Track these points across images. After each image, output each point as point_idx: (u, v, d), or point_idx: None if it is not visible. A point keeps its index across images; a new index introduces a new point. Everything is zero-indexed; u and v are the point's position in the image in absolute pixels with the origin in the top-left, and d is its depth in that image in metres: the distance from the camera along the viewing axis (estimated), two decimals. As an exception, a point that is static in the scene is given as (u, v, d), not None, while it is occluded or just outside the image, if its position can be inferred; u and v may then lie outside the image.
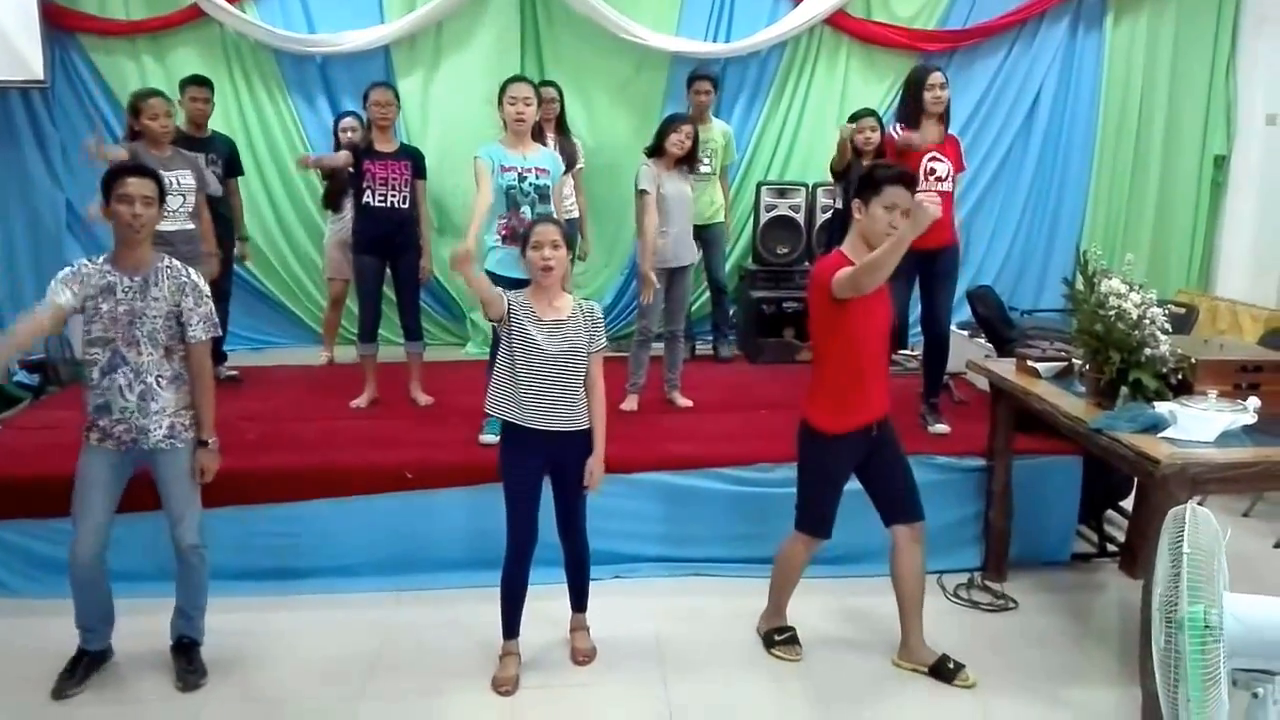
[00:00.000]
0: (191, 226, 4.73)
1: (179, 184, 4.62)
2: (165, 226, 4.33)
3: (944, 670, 3.39)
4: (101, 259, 3.14)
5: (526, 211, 4.16)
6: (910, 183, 3.17)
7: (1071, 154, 6.93)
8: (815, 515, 3.38)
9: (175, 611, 3.37)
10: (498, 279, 4.02)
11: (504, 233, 4.19)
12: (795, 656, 3.50)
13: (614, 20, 6.38)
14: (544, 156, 4.32)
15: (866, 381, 3.24)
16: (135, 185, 3.06)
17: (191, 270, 3.22)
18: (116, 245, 3.13)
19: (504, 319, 3.16)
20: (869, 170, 3.30)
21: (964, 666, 3.39)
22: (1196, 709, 1.87)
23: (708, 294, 6.44)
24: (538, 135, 4.66)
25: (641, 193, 4.78)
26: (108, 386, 3.11)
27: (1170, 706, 1.92)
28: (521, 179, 4.19)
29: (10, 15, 6.05)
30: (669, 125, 4.84)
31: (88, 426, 3.17)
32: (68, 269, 3.12)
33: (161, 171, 4.27)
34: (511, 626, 3.38)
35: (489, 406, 3.28)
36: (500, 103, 4.22)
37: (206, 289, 3.22)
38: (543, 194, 4.22)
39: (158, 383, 3.13)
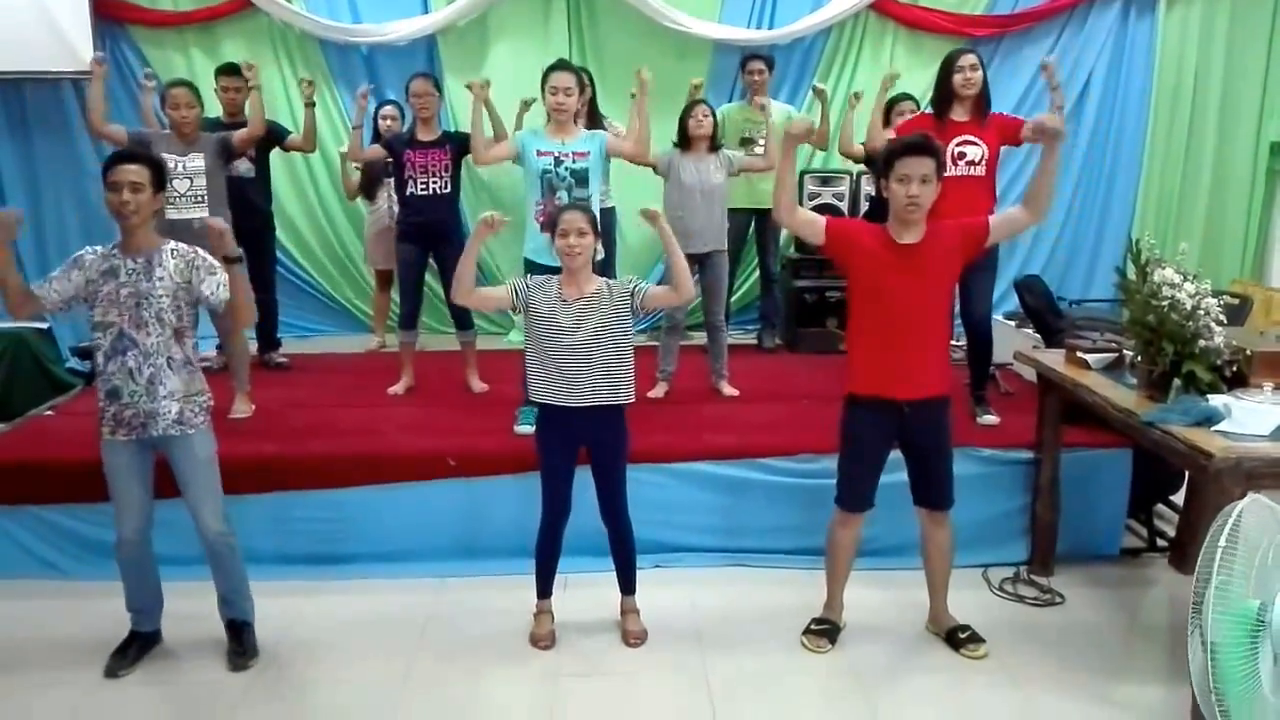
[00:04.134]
0: (205, 215, 4.41)
1: (185, 167, 4.51)
2: (171, 215, 4.34)
3: (955, 638, 3.47)
4: (110, 246, 3.16)
5: (563, 196, 4.15)
6: (926, 150, 3.14)
7: (1122, 141, 6.81)
8: (841, 484, 3.41)
9: (218, 598, 3.41)
10: (536, 266, 4.07)
11: (541, 219, 4.18)
12: (818, 649, 3.47)
13: (656, 8, 6.36)
14: (582, 140, 4.26)
15: (887, 354, 3.23)
16: (122, 173, 3.06)
17: (198, 249, 3.21)
18: (120, 231, 3.15)
19: (517, 308, 3.35)
20: (886, 148, 3.32)
21: (980, 640, 3.44)
22: (1236, 704, 1.83)
23: (752, 282, 6.43)
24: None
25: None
26: (115, 370, 3.11)
27: (1209, 704, 1.89)
28: (558, 163, 4.17)
29: (61, 6, 6.15)
30: (686, 110, 4.94)
31: (101, 417, 3.17)
32: (72, 257, 3.14)
33: (175, 157, 4.38)
34: (545, 588, 3.54)
35: (531, 393, 3.38)
36: (543, 91, 4.21)
37: (214, 260, 3.21)
38: (580, 178, 4.19)
39: (168, 364, 3.13)
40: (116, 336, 3.10)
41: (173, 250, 3.16)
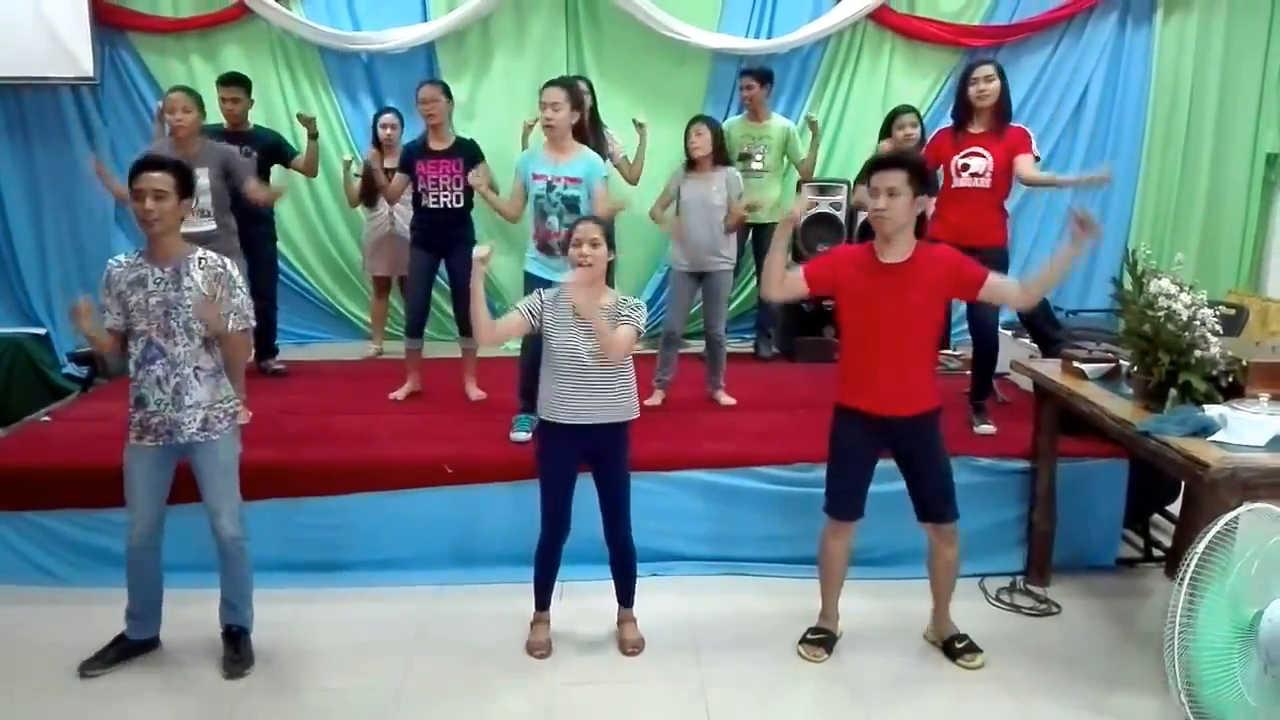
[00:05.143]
0: (209, 228, 4.44)
1: None
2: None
3: (952, 648, 3.47)
4: (135, 254, 3.18)
5: (554, 222, 4.14)
6: (896, 164, 3.14)
7: (1119, 152, 6.81)
8: (829, 493, 3.41)
9: (221, 601, 3.41)
10: (535, 279, 4.07)
11: (535, 240, 4.20)
12: (814, 658, 3.47)
13: (655, 17, 6.37)
14: (577, 163, 4.21)
15: (872, 371, 3.22)
16: (146, 180, 3.05)
17: (228, 261, 3.23)
18: (146, 239, 3.16)
19: (535, 329, 3.31)
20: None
21: (977, 650, 3.44)
22: (1213, 706, 1.84)
23: (749, 291, 6.42)
24: (578, 132, 4.58)
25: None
26: (143, 379, 3.14)
27: (1180, 703, 1.89)
28: (550, 188, 4.16)
29: (61, 13, 6.16)
30: (687, 130, 4.91)
31: (129, 421, 3.20)
32: (103, 278, 3.16)
33: None
34: (543, 600, 3.53)
35: (540, 410, 3.36)
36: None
37: (241, 280, 3.23)
38: (571, 204, 4.15)
39: (195, 375, 3.15)
40: (146, 345, 3.12)
41: (200, 260, 3.16)
